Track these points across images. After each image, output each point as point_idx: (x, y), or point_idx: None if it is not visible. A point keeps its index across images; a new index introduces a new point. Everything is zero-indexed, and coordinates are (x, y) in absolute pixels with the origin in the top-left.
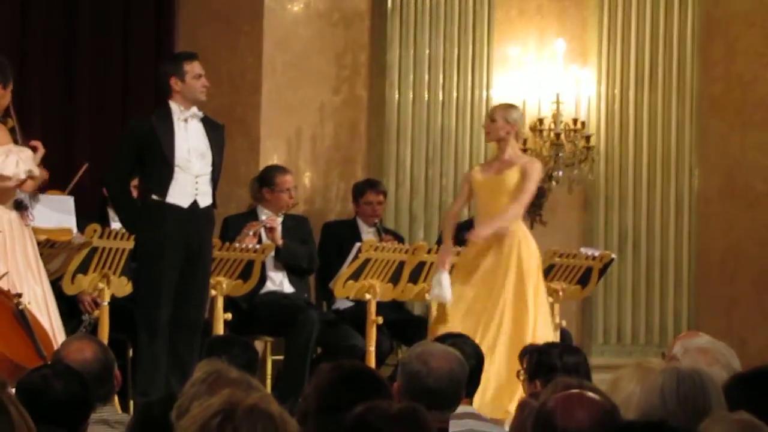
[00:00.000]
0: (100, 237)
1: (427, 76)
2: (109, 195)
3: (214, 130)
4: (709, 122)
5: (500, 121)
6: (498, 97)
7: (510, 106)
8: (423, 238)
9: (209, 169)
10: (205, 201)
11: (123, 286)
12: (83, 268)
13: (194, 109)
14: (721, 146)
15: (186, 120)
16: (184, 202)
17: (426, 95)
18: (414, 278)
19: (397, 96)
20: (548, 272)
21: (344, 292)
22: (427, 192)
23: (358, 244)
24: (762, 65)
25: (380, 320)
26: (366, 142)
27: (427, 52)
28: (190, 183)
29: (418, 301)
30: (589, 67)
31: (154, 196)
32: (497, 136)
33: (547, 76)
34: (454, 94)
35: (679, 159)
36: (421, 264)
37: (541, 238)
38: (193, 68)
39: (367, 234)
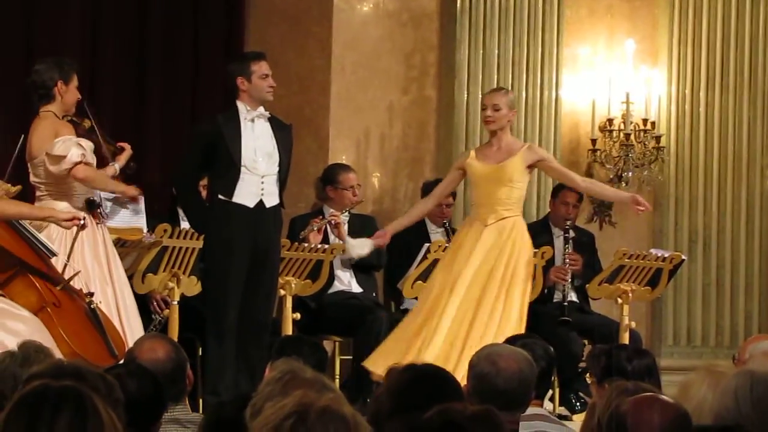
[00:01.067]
0: (170, 236)
1: (495, 77)
2: (178, 195)
3: (281, 130)
4: None
5: (505, 108)
6: (567, 98)
7: (507, 91)
8: None
9: (276, 169)
10: (271, 201)
11: (192, 286)
12: (153, 268)
13: (261, 109)
14: None
15: (253, 120)
16: (250, 202)
17: None
18: None
19: (465, 96)
20: (617, 273)
21: (413, 292)
22: None
23: (426, 245)
24: None
25: None
26: (434, 142)
27: (496, 52)
28: (256, 183)
29: None
30: (660, 67)
31: (220, 196)
32: (501, 124)
33: (616, 76)
34: (524, 95)
35: (750, 159)
36: None
37: (611, 240)
38: (260, 68)
39: (436, 234)
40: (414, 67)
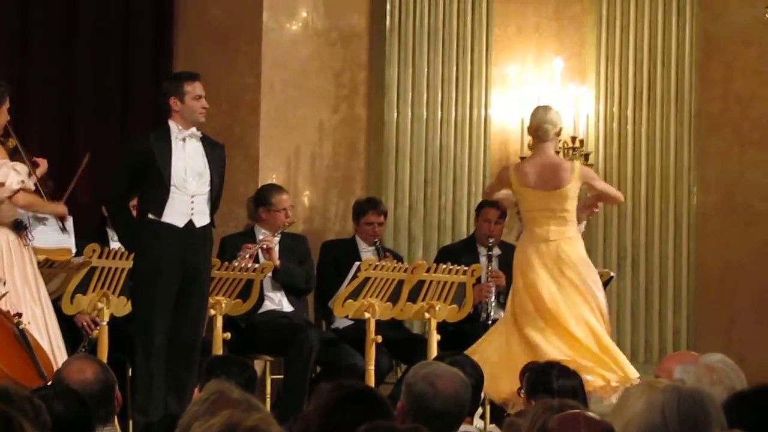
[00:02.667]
0: (100, 257)
1: (425, 95)
2: (109, 214)
3: (213, 149)
4: (708, 140)
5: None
6: (497, 116)
7: (550, 108)
8: (422, 257)
9: (207, 188)
10: (201, 221)
11: (122, 306)
12: (82, 288)
13: (193, 129)
14: (720, 164)
15: (184, 140)
16: (180, 222)
17: (425, 114)
18: (413, 297)
19: (395, 115)
20: None
21: (343, 311)
22: (426, 211)
23: (357, 263)
24: (760, 83)
25: (379, 339)
26: (365, 161)
27: (426, 71)
28: (186, 203)
29: (418, 320)
30: (588, 85)
31: (150, 215)
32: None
33: (545, 94)
34: (453, 113)
35: (677, 177)
36: (420, 283)
37: None
38: (194, 89)
39: (366, 253)
40: (344, 86)
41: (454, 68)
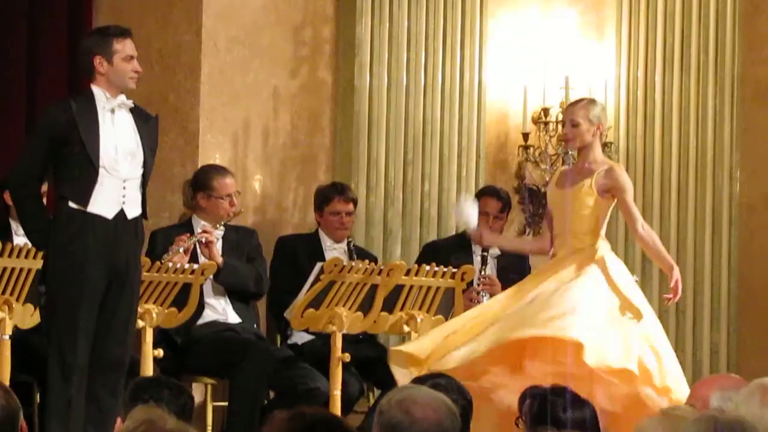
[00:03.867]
0: (1, 255)
1: (405, 56)
2: (14, 202)
3: (146, 122)
4: (755, 114)
5: (585, 123)
6: (493, 82)
7: (589, 102)
8: (400, 257)
9: (140, 171)
10: (133, 211)
11: (28, 316)
12: None
13: (122, 97)
14: None
15: (113, 110)
16: (109, 212)
17: (404, 79)
18: (389, 306)
19: (368, 80)
20: None
21: (303, 323)
22: (406, 200)
23: (319, 264)
24: None
25: (347, 357)
26: (330, 137)
27: (406, 25)
28: (117, 189)
29: (395, 334)
30: (607, 45)
31: (72, 204)
32: (583, 141)
33: (554, 56)
34: (439, 78)
35: (716, 159)
36: (398, 288)
37: (547, 257)
38: (125, 48)
39: (332, 251)
40: (304, 44)
41: (441, 22)
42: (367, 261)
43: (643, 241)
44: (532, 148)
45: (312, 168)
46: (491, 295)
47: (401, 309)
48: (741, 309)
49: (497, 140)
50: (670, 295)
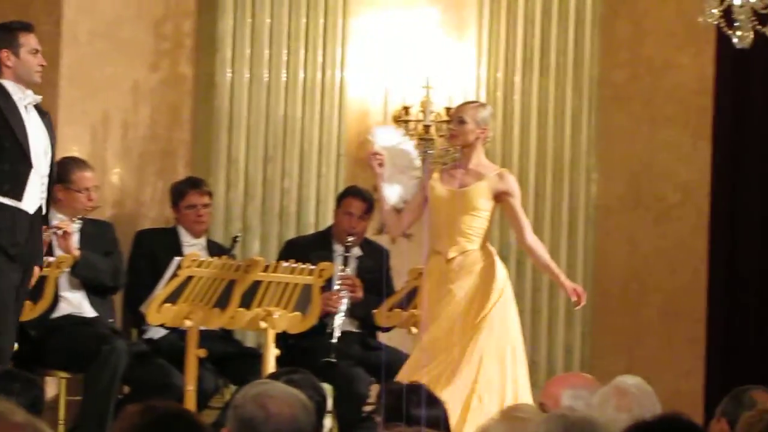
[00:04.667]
0: None
1: (267, 52)
2: None
3: (44, 118)
4: (612, 116)
5: (471, 123)
6: (355, 80)
7: (480, 105)
8: (259, 253)
9: (48, 169)
10: (43, 207)
11: None
12: None
13: (31, 93)
14: (626, 145)
15: (26, 106)
16: (32, 207)
17: (265, 75)
18: (246, 302)
19: (229, 75)
20: (412, 296)
21: (159, 317)
22: (265, 197)
23: (177, 259)
24: (675, 47)
25: (203, 353)
26: (190, 132)
27: (268, 21)
28: (39, 184)
29: (252, 331)
30: (467, 45)
31: (3, 199)
32: (466, 140)
33: (414, 54)
34: (301, 75)
35: (574, 161)
36: (256, 284)
37: (406, 255)
38: (30, 41)
39: (191, 246)
40: (165, 38)
41: (303, 19)
42: (224, 257)
43: (531, 249)
44: None
45: (171, 162)
46: (351, 297)
47: (259, 305)
48: (595, 310)
49: (357, 138)
50: (577, 300)
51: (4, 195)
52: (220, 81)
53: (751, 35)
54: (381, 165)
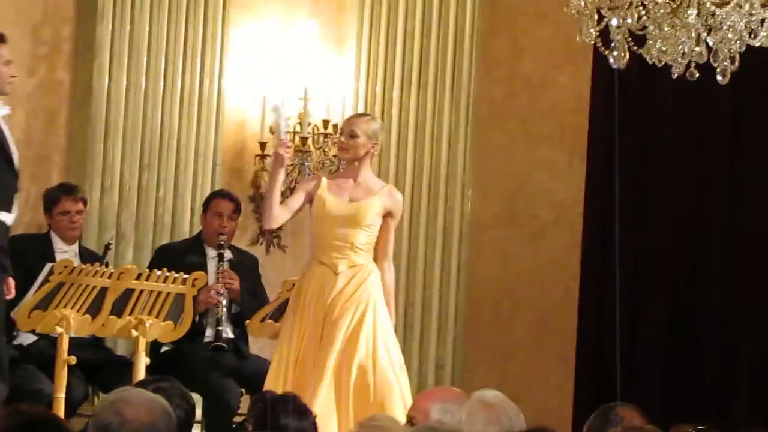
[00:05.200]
0: None
1: (145, 59)
2: None
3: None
4: (488, 134)
5: (363, 136)
6: (233, 90)
7: (371, 118)
8: (132, 261)
9: None
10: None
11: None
12: None
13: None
14: (501, 163)
15: (2, 117)
16: (11, 220)
17: (143, 82)
18: (118, 310)
19: (106, 82)
20: (286, 307)
21: (30, 323)
22: (140, 204)
23: (49, 265)
24: (553, 66)
25: (73, 360)
26: (66, 137)
27: (147, 29)
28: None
29: (123, 338)
30: (346, 58)
31: None
32: (357, 154)
33: (293, 66)
34: (179, 84)
35: (449, 177)
36: (129, 292)
37: (279, 266)
38: (2, 53)
39: (63, 253)
40: (43, 43)
41: (183, 27)
42: (97, 264)
43: (384, 274)
44: (268, 158)
45: (46, 168)
46: (230, 291)
47: (130, 313)
48: (467, 325)
49: (234, 147)
50: None
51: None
52: (97, 87)
53: (627, 56)
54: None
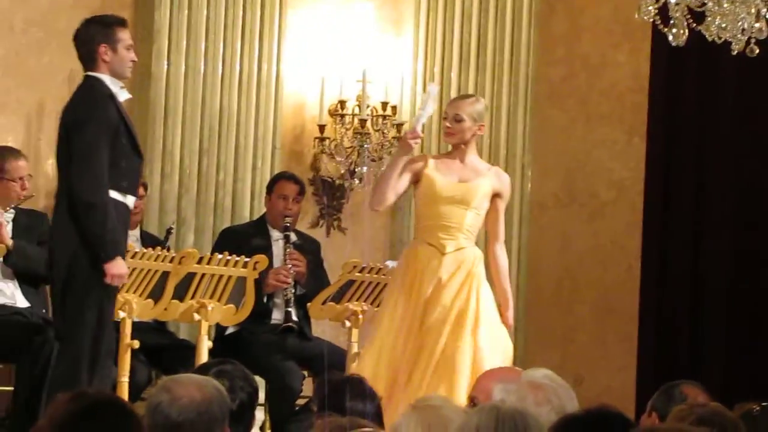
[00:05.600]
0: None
1: (203, 44)
2: (90, 213)
3: None
4: (547, 113)
5: (469, 120)
6: (291, 73)
7: (476, 100)
8: (193, 245)
9: None
10: None
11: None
12: None
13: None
14: (560, 143)
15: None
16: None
17: (202, 67)
18: (180, 294)
19: (165, 67)
20: (346, 290)
21: None
22: (200, 189)
23: None
24: (611, 45)
25: (136, 344)
26: None
27: (205, 13)
28: None
29: (186, 323)
30: (404, 40)
31: (116, 195)
32: (463, 138)
33: (351, 49)
34: (237, 68)
35: (509, 157)
36: (190, 276)
37: (340, 249)
38: (125, 37)
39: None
40: None
41: (240, 11)
42: (159, 248)
43: (496, 259)
44: (327, 140)
45: None
46: (297, 273)
47: (192, 297)
48: (529, 306)
49: (293, 131)
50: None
51: (123, 192)
52: (157, 72)
53: (686, 33)
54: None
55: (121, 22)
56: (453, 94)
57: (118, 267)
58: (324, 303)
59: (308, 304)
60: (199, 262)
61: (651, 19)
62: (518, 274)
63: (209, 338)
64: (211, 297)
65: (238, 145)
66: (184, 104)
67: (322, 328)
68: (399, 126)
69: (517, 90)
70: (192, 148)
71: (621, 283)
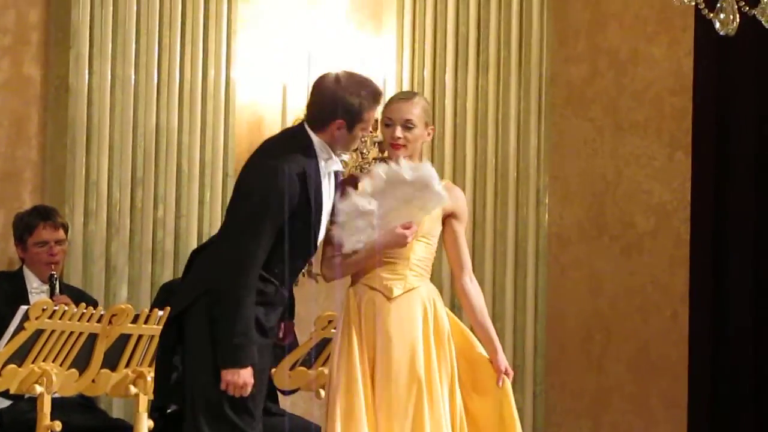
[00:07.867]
0: None
1: (133, 47)
2: (232, 304)
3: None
4: (566, 123)
5: (420, 125)
6: (244, 80)
7: (419, 96)
8: (127, 300)
9: None
10: None
11: None
12: None
13: (337, 159)
14: (584, 160)
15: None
16: None
17: (132, 76)
18: (112, 362)
19: (86, 77)
20: (321, 350)
21: (2, 383)
22: (134, 228)
23: (23, 308)
24: (645, 36)
25: (58, 426)
26: (38, 149)
27: (135, 9)
28: None
29: (119, 397)
30: (385, 36)
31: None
32: (416, 149)
33: (319, 49)
34: (177, 76)
35: (520, 179)
36: (124, 338)
37: (311, 301)
38: (372, 117)
39: (40, 294)
40: (6, 32)
41: (179, 6)
42: (83, 305)
43: (467, 296)
44: None
45: (15, 188)
46: None
47: (127, 365)
48: (549, 365)
49: (249, 154)
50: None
51: (280, 282)
52: (75, 84)
53: (737, 19)
54: None
55: (376, 100)
56: (449, 102)
57: None
58: (292, 368)
59: (273, 370)
60: (135, 321)
61: (693, 3)
62: (535, 326)
63: (149, 416)
64: (150, 365)
65: (180, 173)
66: (111, 123)
67: (292, 400)
68: (379, 144)
69: (528, 95)
70: (123, 179)
71: (665, 333)
